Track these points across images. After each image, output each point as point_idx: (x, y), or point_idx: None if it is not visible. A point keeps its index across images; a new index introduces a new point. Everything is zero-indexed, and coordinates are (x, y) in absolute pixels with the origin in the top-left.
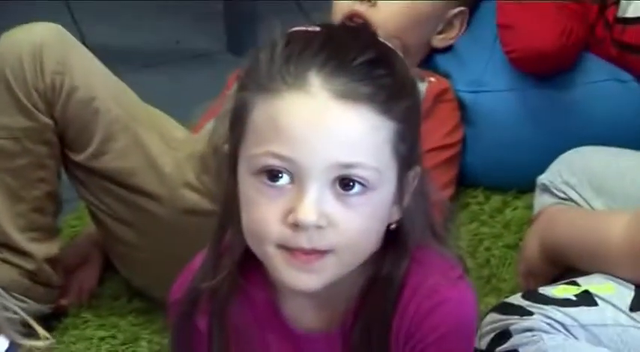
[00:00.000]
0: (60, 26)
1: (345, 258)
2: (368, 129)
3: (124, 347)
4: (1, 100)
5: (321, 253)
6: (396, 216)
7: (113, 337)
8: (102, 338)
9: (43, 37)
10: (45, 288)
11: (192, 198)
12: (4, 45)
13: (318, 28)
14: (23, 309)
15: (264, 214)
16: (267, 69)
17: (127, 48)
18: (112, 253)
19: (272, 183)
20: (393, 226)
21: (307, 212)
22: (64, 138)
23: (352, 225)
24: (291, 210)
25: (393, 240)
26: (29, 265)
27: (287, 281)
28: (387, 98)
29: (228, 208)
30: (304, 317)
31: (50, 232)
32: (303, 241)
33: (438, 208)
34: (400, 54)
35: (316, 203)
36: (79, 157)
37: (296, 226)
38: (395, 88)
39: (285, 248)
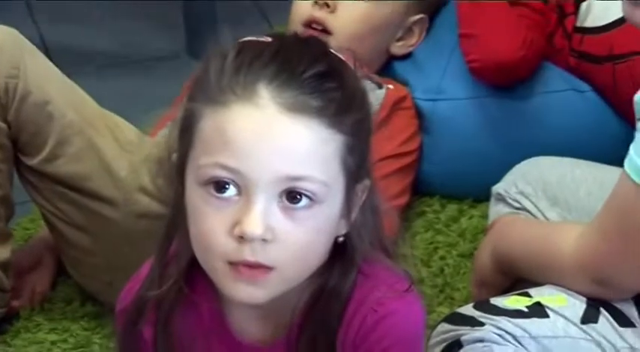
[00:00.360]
0: (15, 30)
1: (290, 274)
2: (316, 142)
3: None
4: None
5: (265, 269)
6: (343, 230)
7: (65, 341)
8: (53, 342)
9: None
10: None
11: (147, 202)
12: None
13: (269, 39)
14: None
15: (211, 225)
16: (216, 79)
17: (87, 50)
18: (65, 257)
19: (219, 195)
20: (340, 239)
21: (253, 225)
22: (17, 142)
23: (298, 241)
24: (237, 222)
25: (341, 253)
26: None
27: (232, 294)
28: (337, 111)
29: (175, 217)
30: (250, 328)
31: (2, 236)
32: (247, 254)
33: (387, 220)
34: (351, 66)
35: (262, 216)
36: (33, 161)
37: (241, 239)
38: (345, 101)
39: (230, 263)
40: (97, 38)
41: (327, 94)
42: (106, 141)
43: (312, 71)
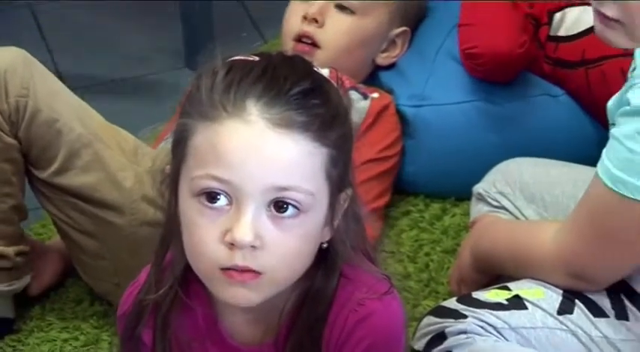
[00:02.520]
0: (24, 51)
1: (278, 278)
2: (302, 154)
3: (85, 349)
4: None
5: (254, 273)
6: (327, 236)
7: (76, 339)
8: (65, 340)
9: (7, 63)
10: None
11: (151, 211)
12: None
13: (257, 58)
14: None
15: (203, 233)
16: (208, 96)
17: (93, 66)
18: (76, 261)
19: (211, 205)
20: (324, 245)
21: (243, 232)
22: (28, 157)
23: (285, 248)
24: (228, 230)
25: (325, 257)
26: (5, 263)
27: (226, 298)
28: (321, 126)
29: (171, 226)
30: (241, 330)
31: (17, 238)
32: (238, 260)
33: (368, 226)
34: (335, 83)
35: (252, 224)
36: (43, 174)
37: (232, 245)
38: (328, 116)
39: (222, 268)
40: (101, 55)
41: (312, 110)
42: (112, 153)
43: (297, 89)
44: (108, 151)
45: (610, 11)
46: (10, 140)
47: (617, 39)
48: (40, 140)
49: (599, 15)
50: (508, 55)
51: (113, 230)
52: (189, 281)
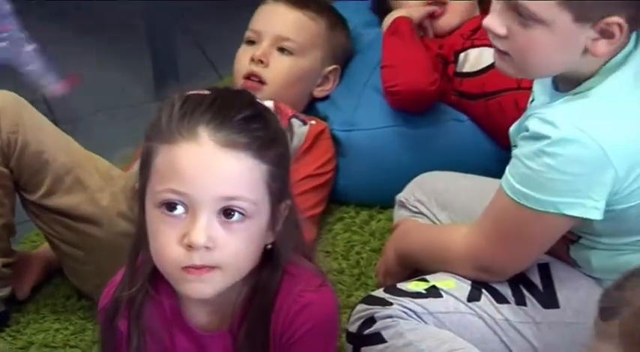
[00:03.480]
0: (13, 93)
1: (229, 272)
2: (245, 170)
3: (74, 336)
4: None
5: (209, 268)
6: (270, 239)
7: (66, 328)
8: (57, 330)
9: (0, 104)
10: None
11: (125, 224)
12: None
13: (207, 92)
14: None
15: (165, 238)
16: (167, 124)
17: (73, 98)
18: (64, 266)
19: (170, 213)
20: (268, 246)
21: (198, 235)
22: (18, 182)
23: (233, 247)
24: (185, 235)
25: (270, 257)
26: None
27: (186, 291)
28: (260, 146)
29: (140, 235)
30: (201, 319)
31: (5, 252)
32: (195, 259)
33: (307, 230)
34: (273, 112)
35: (205, 228)
36: (33, 197)
37: (189, 247)
38: (267, 139)
39: (182, 267)
40: (83, 90)
41: (253, 133)
42: (90, 177)
43: (240, 115)
44: (87, 175)
45: (502, 46)
46: (3, 169)
47: (509, 69)
48: (29, 168)
49: (495, 48)
50: (423, 91)
51: (94, 241)
52: (157, 279)
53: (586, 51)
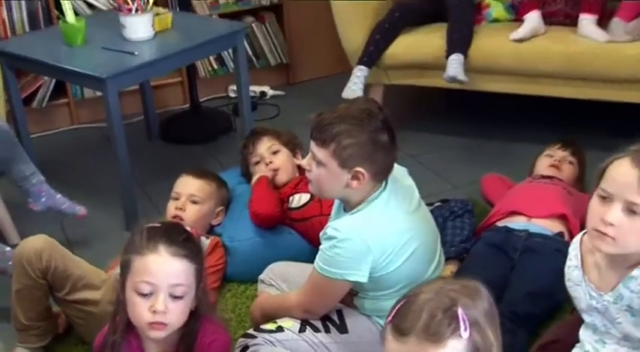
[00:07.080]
0: (46, 235)
1: (174, 325)
2: (184, 269)
3: None
4: (20, 273)
5: (164, 324)
6: (194, 304)
7: None
8: None
9: (40, 244)
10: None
11: (111, 306)
12: (22, 246)
13: (159, 224)
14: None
15: (140, 308)
16: (138, 243)
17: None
18: (75, 327)
19: (143, 294)
20: (192, 308)
21: (159, 306)
22: (50, 286)
23: (177, 312)
24: (152, 305)
25: (193, 313)
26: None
27: (149, 335)
28: (192, 255)
29: (120, 304)
30: (155, 351)
31: (48, 315)
32: (157, 318)
33: (212, 297)
34: (195, 236)
35: (163, 302)
36: (59, 294)
37: (154, 312)
38: (194, 250)
39: (148, 323)
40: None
41: (188, 248)
42: (93, 281)
43: (181, 237)
44: (91, 280)
45: (310, 176)
46: (42, 281)
47: (328, 194)
48: (57, 279)
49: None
50: (272, 216)
51: (95, 316)
52: (130, 328)
53: (347, 185)
